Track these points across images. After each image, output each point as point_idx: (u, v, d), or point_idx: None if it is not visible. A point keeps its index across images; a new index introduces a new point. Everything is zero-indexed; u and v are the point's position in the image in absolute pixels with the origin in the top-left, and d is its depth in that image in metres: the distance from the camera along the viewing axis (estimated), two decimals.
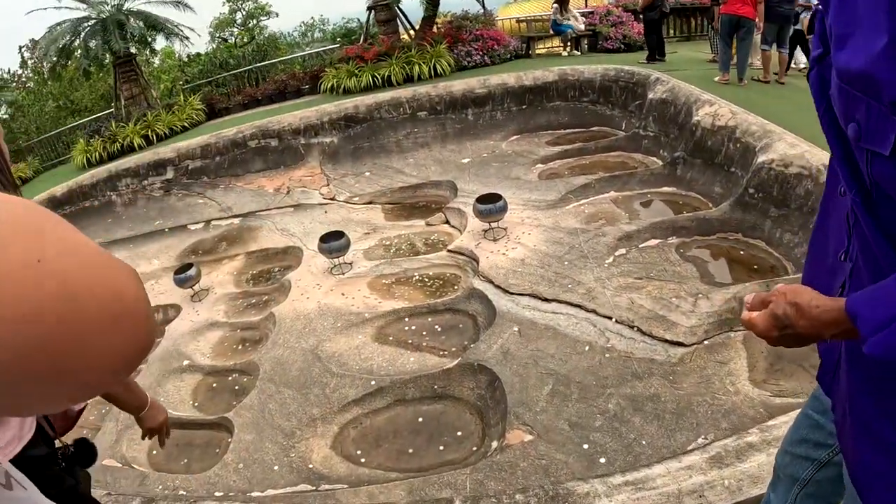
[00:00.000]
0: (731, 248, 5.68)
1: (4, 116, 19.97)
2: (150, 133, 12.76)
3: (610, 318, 4.85)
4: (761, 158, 5.78)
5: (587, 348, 4.62)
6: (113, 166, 11.19)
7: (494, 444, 4.17)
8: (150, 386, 5.92)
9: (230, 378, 5.90)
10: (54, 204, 10.91)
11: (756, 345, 4.35)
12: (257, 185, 10.24)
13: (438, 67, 11.67)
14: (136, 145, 12.47)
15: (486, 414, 4.51)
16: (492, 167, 8.43)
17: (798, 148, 5.63)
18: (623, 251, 5.77)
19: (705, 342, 4.43)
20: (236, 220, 9.37)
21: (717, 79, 8.53)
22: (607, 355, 4.50)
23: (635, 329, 4.68)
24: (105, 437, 5.57)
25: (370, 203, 8.78)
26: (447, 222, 7.53)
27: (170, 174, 10.86)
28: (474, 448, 4.30)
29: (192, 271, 7.12)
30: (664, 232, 5.89)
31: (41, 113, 19.41)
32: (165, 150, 10.99)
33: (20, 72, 22.89)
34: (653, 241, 5.84)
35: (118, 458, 5.30)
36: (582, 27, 13.26)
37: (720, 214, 5.89)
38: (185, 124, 13.53)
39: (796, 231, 5.35)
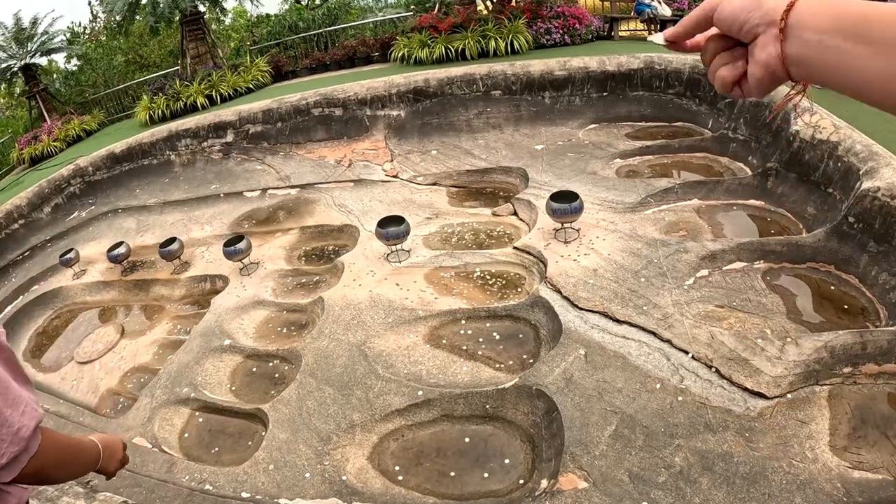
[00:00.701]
0: (821, 280, 4.96)
1: (73, 68, 20.24)
2: (213, 93, 12.62)
3: (686, 353, 4.27)
4: (866, 185, 5.02)
5: (658, 386, 4.07)
6: (174, 125, 11.03)
7: (544, 482, 3.71)
8: (188, 364, 5.69)
9: (271, 364, 5.60)
10: (113, 160, 10.88)
11: (840, 405, 3.74)
12: (318, 154, 9.89)
13: (515, 44, 11.06)
14: (199, 105, 12.34)
15: (538, 445, 4.04)
16: (567, 157, 7.81)
17: None
18: (705, 273, 5.14)
19: (788, 395, 3.82)
20: (293, 191, 9.06)
21: None
22: (680, 398, 3.94)
23: (713, 370, 4.09)
24: (138, 412, 5.39)
25: (434, 184, 8.31)
26: (515, 214, 7.00)
27: (230, 137, 10.63)
28: (521, 481, 3.86)
29: (242, 244, 6.84)
30: (751, 255, 5.22)
31: (109, 66, 19.59)
32: (227, 113, 10.74)
33: (91, 25, 23.20)
34: (738, 264, 5.19)
35: (149, 437, 5.10)
36: (668, 12, 12.37)
37: (814, 241, 5.16)
38: (251, 86, 13.34)
39: (895, 272, 4.67)
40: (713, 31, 0.87)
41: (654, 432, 3.74)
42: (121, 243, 7.98)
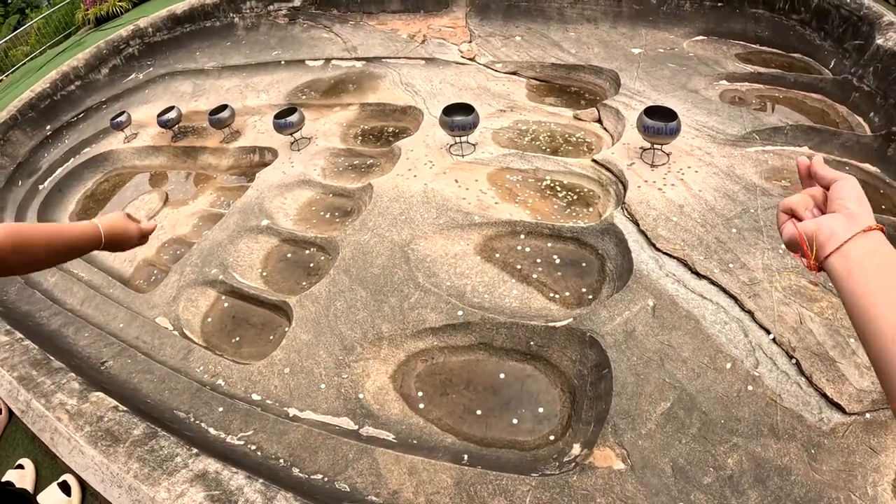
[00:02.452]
0: None
1: None
2: None
3: (768, 333, 3.50)
4: None
5: (729, 366, 3.35)
6: None
7: (577, 448, 3.16)
8: (221, 242, 5.34)
9: (307, 252, 5.17)
10: (174, 21, 10.30)
11: None
12: (390, 27, 9.04)
13: None
14: None
15: (580, 401, 3.45)
16: (666, 68, 6.74)
17: None
18: None
19: (867, 415, 3.07)
20: (359, 64, 8.31)
21: None
22: (750, 387, 3.23)
23: (794, 362, 3.34)
24: (166, 289, 5.10)
25: (514, 73, 7.43)
26: (599, 121, 6.12)
27: (297, 2, 9.85)
28: (552, 437, 3.34)
29: (293, 117, 6.25)
30: None
31: None
32: None
33: None
34: None
35: (172, 318, 4.83)
36: None
37: None
38: None
39: None
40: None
41: (712, 421, 3.09)
42: (171, 108, 7.52)
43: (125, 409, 3.37)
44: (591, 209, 4.84)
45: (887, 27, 5.86)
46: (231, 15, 10.21)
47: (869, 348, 0.88)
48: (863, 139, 5.15)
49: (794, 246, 1.06)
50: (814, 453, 2.91)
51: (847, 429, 3.01)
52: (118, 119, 7.78)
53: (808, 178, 1.19)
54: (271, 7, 9.97)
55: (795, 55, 6.89)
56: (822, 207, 1.10)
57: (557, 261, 4.38)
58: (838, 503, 2.72)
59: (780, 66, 6.69)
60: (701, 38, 7.45)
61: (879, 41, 5.74)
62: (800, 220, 1.11)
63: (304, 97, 7.84)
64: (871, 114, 5.54)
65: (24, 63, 14.78)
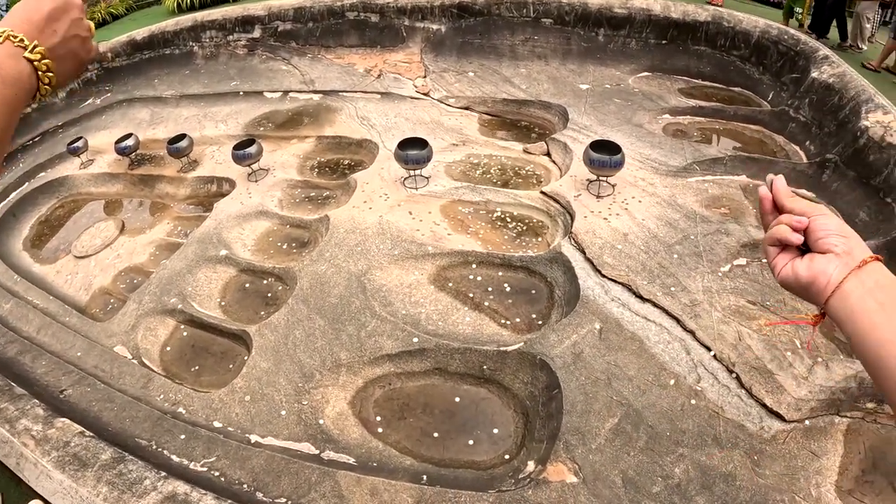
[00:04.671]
0: None
1: None
2: None
3: (709, 350, 3.80)
4: None
5: (672, 382, 3.63)
6: (200, 15, 10.43)
7: (531, 465, 3.36)
8: (180, 272, 5.41)
9: (265, 282, 5.27)
10: (133, 47, 10.40)
11: (856, 442, 3.32)
12: (347, 60, 9.27)
13: None
14: None
15: (532, 421, 3.66)
16: (612, 103, 7.14)
17: None
18: (743, 262, 4.58)
19: (806, 422, 3.39)
20: (316, 97, 8.50)
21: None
22: (693, 401, 3.50)
23: (734, 376, 3.64)
24: (124, 319, 5.12)
25: (466, 108, 7.72)
26: (548, 154, 6.43)
27: (256, 33, 10.02)
28: (507, 457, 3.53)
29: (252, 148, 6.38)
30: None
31: None
32: (256, 7, 10.07)
33: None
34: None
35: (131, 347, 4.86)
36: None
37: None
38: None
39: None
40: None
41: (658, 434, 3.34)
42: (129, 135, 7.57)
43: (91, 434, 3.44)
44: (539, 239, 5.10)
45: (822, 61, 6.36)
46: (191, 43, 10.32)
47: (883, 388, 0.81)
48: (798, 166, 5.57)
49: (789, 286, 0.97)
50: (757, 459, 3.18)
51: (788, 435, 3.29)
52: (75, 144, 7.77)
53: (772, 212, 1.03)
54: (231, 37, 10.11)
55: (736, 89, 7.38)
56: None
57: (508, 289, 4.61)
58: None
59: (721, 100, 7.15)
60: (646, 74, 7.90)
61: (814, 74, 6.22)
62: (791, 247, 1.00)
63: (262, 129, 7.96)
64: (807, 142, 5.99)
65: None
